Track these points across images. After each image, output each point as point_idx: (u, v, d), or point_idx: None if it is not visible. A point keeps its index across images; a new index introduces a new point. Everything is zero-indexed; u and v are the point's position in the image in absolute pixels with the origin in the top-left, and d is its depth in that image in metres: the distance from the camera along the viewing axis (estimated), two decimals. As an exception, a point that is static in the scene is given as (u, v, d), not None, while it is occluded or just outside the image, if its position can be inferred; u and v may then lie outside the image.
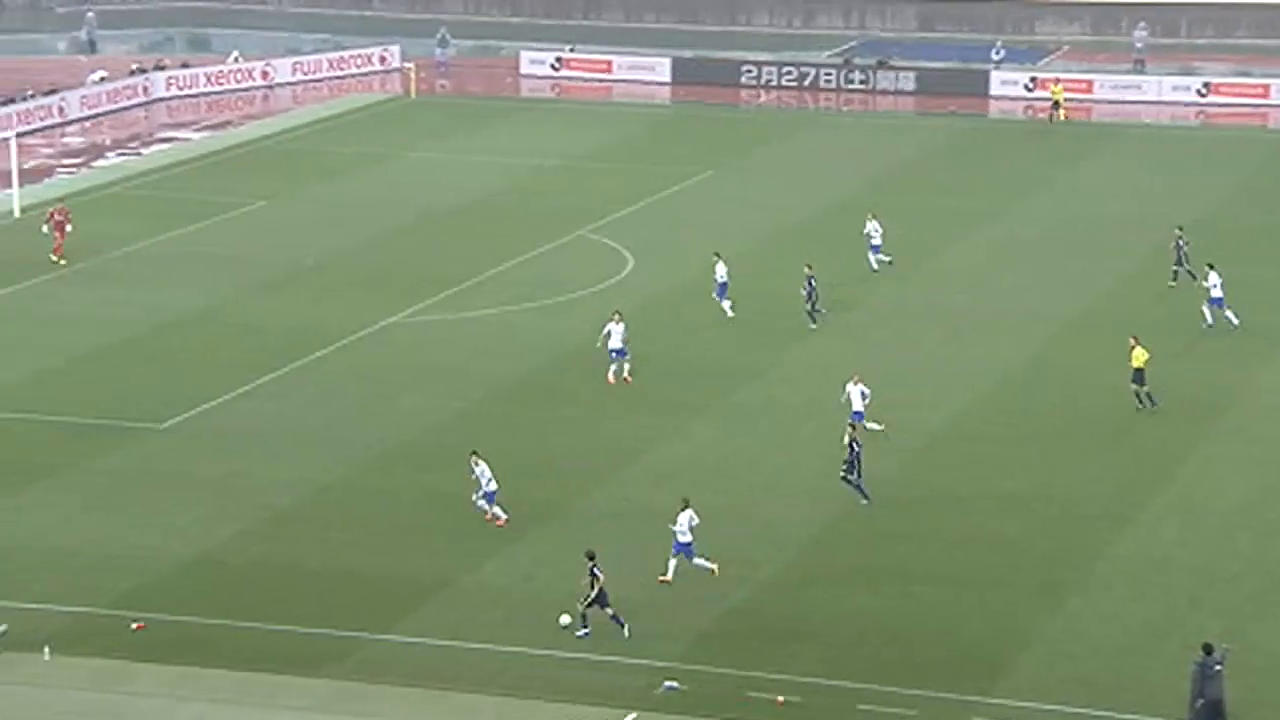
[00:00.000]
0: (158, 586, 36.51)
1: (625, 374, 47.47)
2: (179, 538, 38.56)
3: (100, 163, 72.94)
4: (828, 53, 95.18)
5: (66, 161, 73.09)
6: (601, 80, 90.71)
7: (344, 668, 33.74)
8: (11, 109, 76.66)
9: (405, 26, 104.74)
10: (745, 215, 64.53)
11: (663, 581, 36.70)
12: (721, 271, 53.00)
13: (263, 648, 34.29)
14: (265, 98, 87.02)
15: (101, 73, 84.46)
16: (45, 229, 58.43)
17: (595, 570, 34.80)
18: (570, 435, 44.53)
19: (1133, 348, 45.87)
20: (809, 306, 52.06)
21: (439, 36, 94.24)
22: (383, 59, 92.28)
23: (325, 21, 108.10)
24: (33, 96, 78.93)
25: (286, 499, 40.39)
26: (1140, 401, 45.72)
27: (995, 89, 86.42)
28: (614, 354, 47.40)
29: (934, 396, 47.22)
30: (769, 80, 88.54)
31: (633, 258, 59.17)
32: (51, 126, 78.12)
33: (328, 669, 33.66)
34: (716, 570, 36.88)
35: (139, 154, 74.69)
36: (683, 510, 36.93)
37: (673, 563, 36.86)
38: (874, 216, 58.08)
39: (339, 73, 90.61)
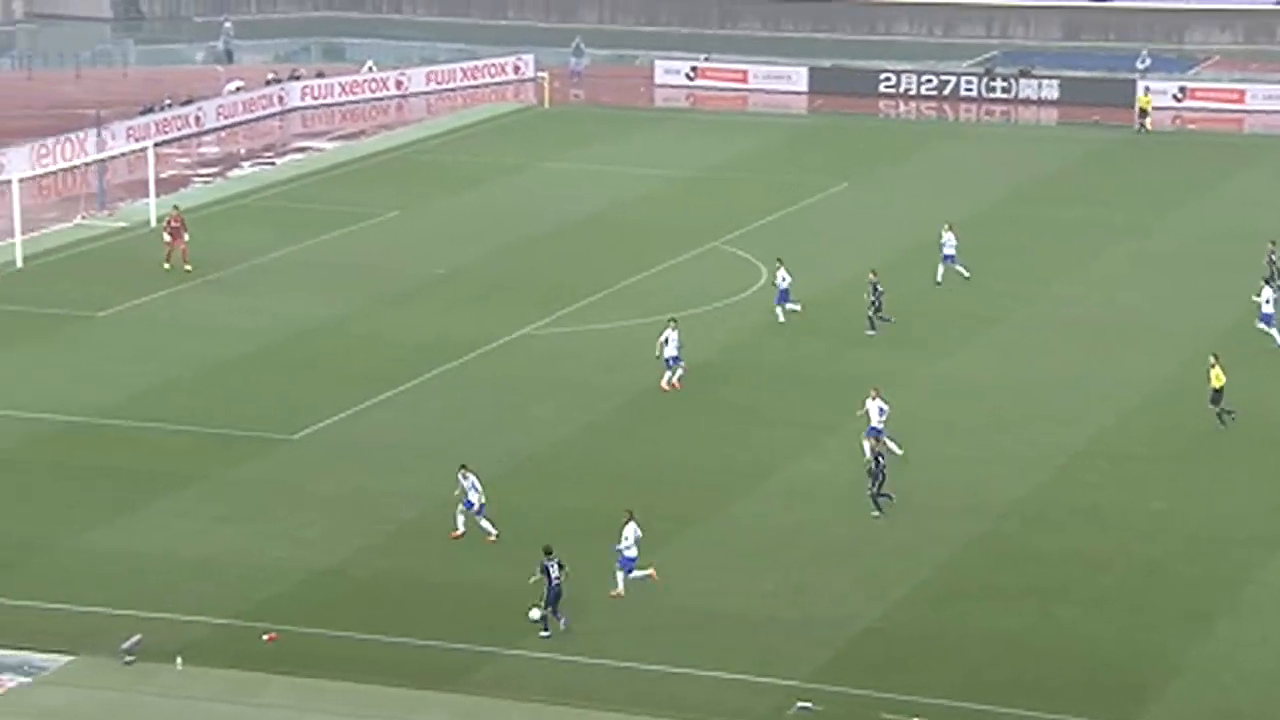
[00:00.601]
0: (288, 598, 36.87)
1: (675, 379, 47.79)
2: (309, 549, 38.94)
3: (235, 172, 73.94)
4: (969, 62, 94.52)
5: (202, 171, 74.14)
6: (737, 90, 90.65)
7: (475, 682, 33.89)
8: (149, 119, 77.91)
9: (540, 35, 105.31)
10: (882, 227, 64.20)
11: (615, 596, 36.49)
12: (783, 277, 53.31)
13: (392, 661, 34.53)
14: (399, 107, 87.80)
15: (238, 83, 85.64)
16: (166, 236, 59.01)
17: (548, 566, 34.87)
18: (701, 450, 44.49)
19: (1211, 366, 45.25)
20: (871, 313, 52.01)
21: (574, 46, 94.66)
22: (517, 68, 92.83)
23: (459, 31, 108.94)
24: (170, 106, 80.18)
25: (414, 511, 40.66)
26: (1221, 422, 44.97)
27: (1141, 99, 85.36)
28: (669, 361, 47.78)
29: (1075, 412, 46.70)
30: (908, 90, 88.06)
31: (767, 270, 59.05)
32: (188, 136, 79.30)
33: (459, 683, 33.82)
34: (654, 574, 36.63)
35: (273, 164, 75.62)
36: (627, 524, 36.77)
37: (620, 577, 36.62)
38: (950, 227, 57.77)
39: (473, 82, 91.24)
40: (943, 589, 37.41)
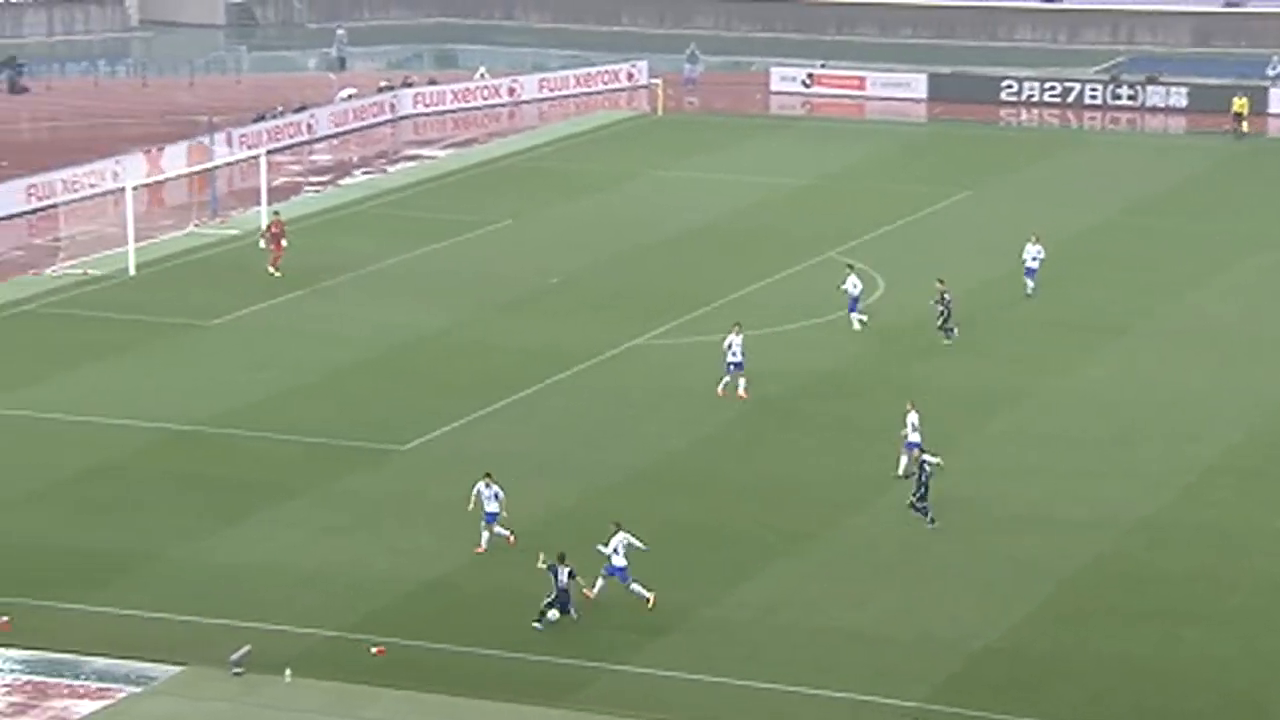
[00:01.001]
0: (397, 610, 36.94)
1: (740, 389, 47.62)
2: (418, 561, 39.02)
3: (347, 180, 74.44)
4: (1094, 68, 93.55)
5: (314, 179, 74.70)
6: (854, 97, 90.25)
7: (584, 698, 33.79)
8: (261, 126, 78.60)
9: (654, 42, 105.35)
10: (1003, 238, 63.58)
11: (586, 594, 36.42)
12: (853, 283, 53.25)
13: (501, 676, 34.50)
14: (511, 115, 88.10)
15: (350, 90, 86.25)
16: (262, 243, 59.71)
17: (556, 570, 35.48)
18: (815, 464, 44.21)
19: None
20: (940, 323, 51.71)
21: (688, 52, 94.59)
22: (630, 75, 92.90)
23: (573, 37, 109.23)
24: (282, 114, 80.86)
25: (524, 523, 40.62)
26: None
27: (1274, 106, 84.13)
28: (730, 367, 47.72)
29: (1202, 428, 46.02)
30: (1030, 97, 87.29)
31: (884, 281, 58.66)
32: (300, 144, 79.93)
33: (567, 699, 33.73)
34: (652, 602, 36.40)
35: (385, 171, 76.08)
36: (615, 534, 36.70)
37: (600, 582, 36.64)
38: (1036, 239, 57.14)
39: (586, 89, 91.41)
40: (1065, 608, 36.91)
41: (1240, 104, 79.34)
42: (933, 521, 40.14)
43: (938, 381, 49.52)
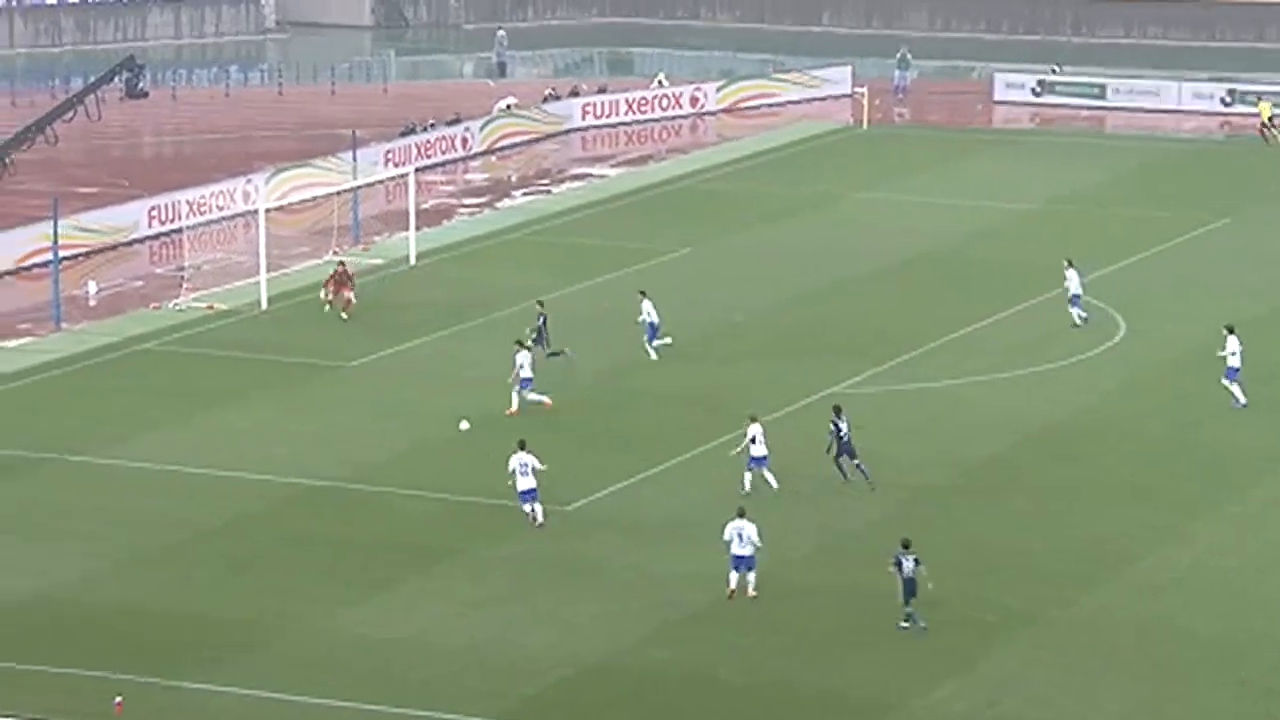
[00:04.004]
0: (557, 694, 37.29)
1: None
2: (581, 638, 39.40)
3: (505, 203, 75.42)
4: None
5: (468, 201, 75.80)
6: (1093, 108, 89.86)
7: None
8: (410, 140, 79.88)
9: (858, 44, 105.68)
10: (1267, 273, 62.98)
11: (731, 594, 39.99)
12: (649, 311, 54.49)
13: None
14: (693, 128, 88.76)
15: (510, 99, 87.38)
16: (323, 293, 59.11)
17: (902, 559, 39.11)
18: (1037, 532, 44.05)
19: None
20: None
21: (899, 56, 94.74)
22: (831, 83, 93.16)
23: (765, 39, 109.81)
24: (434, 127, 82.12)
25: (700, 596, 40.91)
26: None
27: None
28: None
29: None
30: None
31: (1125, 321, 58.32)
32: (453, 161, 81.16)
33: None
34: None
35: (548, 192, 77.00)
36: (738, 518, 40.48)
37: (733, 576, 40.20)
38: (1071, 264, 57.09)
39: (779, 99, 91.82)
40: (1329, 707, 36.49)
41: (1264, 107, 79.89)
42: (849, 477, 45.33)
43: (1191, 438, 49.10)
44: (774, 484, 45.49)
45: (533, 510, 44.06)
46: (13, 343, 58.41)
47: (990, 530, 44.24)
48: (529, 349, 50.71)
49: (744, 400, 51.94)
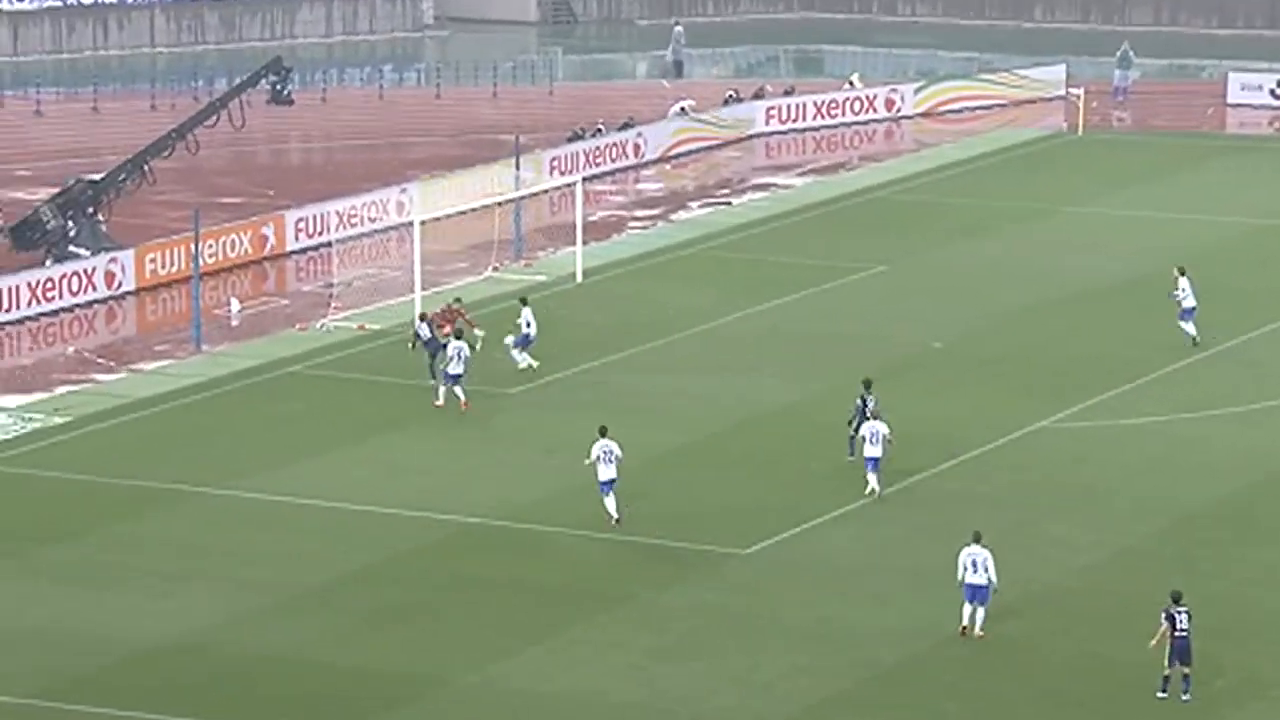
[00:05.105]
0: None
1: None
2: (766, 697, 39.33)
3: (680, 215, 75.62)
4: None
5: (640, 213, 76.09)
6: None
7: None
8: (578, 146, 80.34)
9: (1074, 41, 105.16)
10: None
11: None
12: (527, 320, 56.19)
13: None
14: (889, 133, 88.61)
15: (688, 101, 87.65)
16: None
17: (1174, 615, 38.30)
18: (1276, 587, 43.55)
19: None
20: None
21: (1120, 54, 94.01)
22: (1043, 83, 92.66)
23: (970, 35, 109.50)
24: (604, 131, 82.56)
25: (894, 653, 40.79)
26: None
27: None
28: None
29: None
30: None
31: (1368, 353, 57.68)
32: (625, 169, 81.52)
33: None
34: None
35: (728, 204, 77.15)
36: (973, 544, 40.90)
37: (966, 609, 40.56)
38: (1182, 272, 57.34)
39: (985, 101, 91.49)
40: None
41: None
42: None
43: None
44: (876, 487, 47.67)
45: (612, 504, 45.79)
46: (149, 366, 59.34)
47: (1221, 582, 43.67)
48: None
49: (944, 435, 51.82)
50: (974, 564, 40.95)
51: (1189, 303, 57.48)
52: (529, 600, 43.37)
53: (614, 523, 46.18)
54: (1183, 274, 57.78)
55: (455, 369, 53.40)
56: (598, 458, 46.25)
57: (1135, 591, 43.21)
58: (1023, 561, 44.83)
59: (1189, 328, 57.64)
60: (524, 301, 57.53)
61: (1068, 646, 41.03)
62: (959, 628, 40.90)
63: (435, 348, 53.82)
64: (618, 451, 46.23)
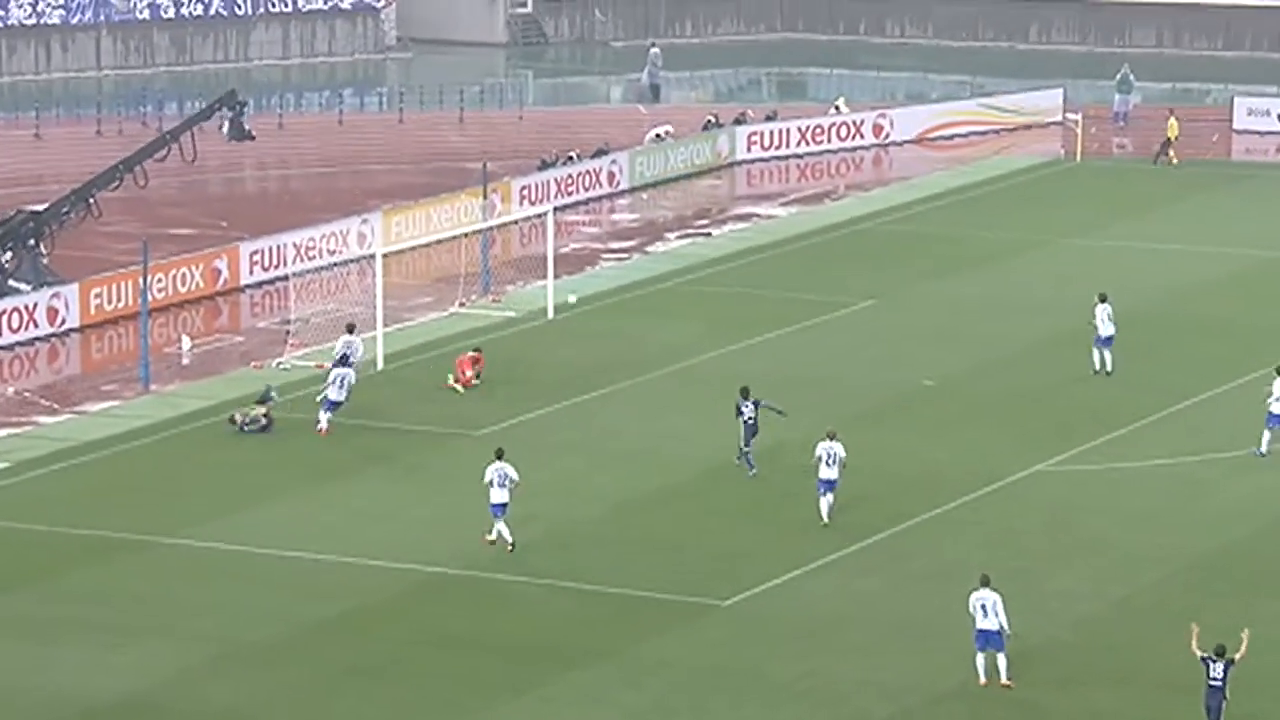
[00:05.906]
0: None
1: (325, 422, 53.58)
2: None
3: (656, 247, 75.76)
4: None
5: (615, 245, 76.23)
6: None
7: None
8: (548, 175, 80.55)
9: (1071, 63, 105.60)
10: None
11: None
12: (347, 344, 57.39)
13: None
14: (877, 161, 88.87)
15: (665, 127, 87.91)
16: (452, 378, 59.25)
17: None
18: (1282, 640, 43.77)
19: None
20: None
21: (1119, 76, 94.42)
22: (1039, 108, 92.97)
23: (962, 57, 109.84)
24: (576, 159, 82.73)
25: (885, 708, 40.90)
26: None
27: None
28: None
29: None
30: None
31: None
32: (598, 199, 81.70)
33: None
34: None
35: (707, 235, 77.34)
36: (982, 588, 41.12)
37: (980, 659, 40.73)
38: (1103, 299, 59.34)
39: (977, 127, 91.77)
40: None
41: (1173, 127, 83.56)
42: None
43: None
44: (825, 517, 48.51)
45: (505, 530, 46.66)
46: (95, 407, 59.39)
47: (1233, 640, 43.74)
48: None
49: (937, 477, 52.00)
50: (984, 608, 41.07)
51: (1106, 330, 58.92)
52: (496, 656, 43.44)
53: (509, 550, 47.18)
54: (1103, 300, 59.34)
55: (336, 395, 54.67)
56: (490, 481, 47.18)
57: (1138, 646, 43.38)
58: (1019, 612, 44.88)
59: (1102, 356, 59.13)
60: (350, 329, 58.64)
61: (1066, 702, 41.15)
62: (980, 680, 40.91)
63: None
64: (513, 475, 47.32)
